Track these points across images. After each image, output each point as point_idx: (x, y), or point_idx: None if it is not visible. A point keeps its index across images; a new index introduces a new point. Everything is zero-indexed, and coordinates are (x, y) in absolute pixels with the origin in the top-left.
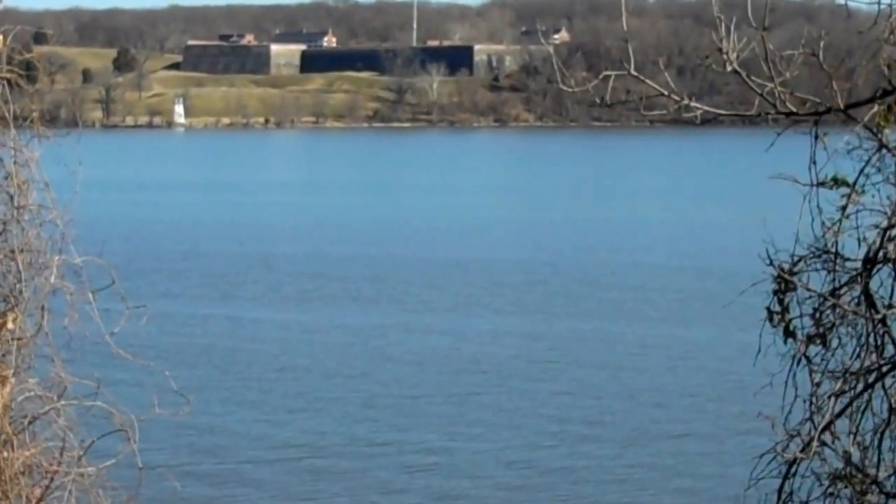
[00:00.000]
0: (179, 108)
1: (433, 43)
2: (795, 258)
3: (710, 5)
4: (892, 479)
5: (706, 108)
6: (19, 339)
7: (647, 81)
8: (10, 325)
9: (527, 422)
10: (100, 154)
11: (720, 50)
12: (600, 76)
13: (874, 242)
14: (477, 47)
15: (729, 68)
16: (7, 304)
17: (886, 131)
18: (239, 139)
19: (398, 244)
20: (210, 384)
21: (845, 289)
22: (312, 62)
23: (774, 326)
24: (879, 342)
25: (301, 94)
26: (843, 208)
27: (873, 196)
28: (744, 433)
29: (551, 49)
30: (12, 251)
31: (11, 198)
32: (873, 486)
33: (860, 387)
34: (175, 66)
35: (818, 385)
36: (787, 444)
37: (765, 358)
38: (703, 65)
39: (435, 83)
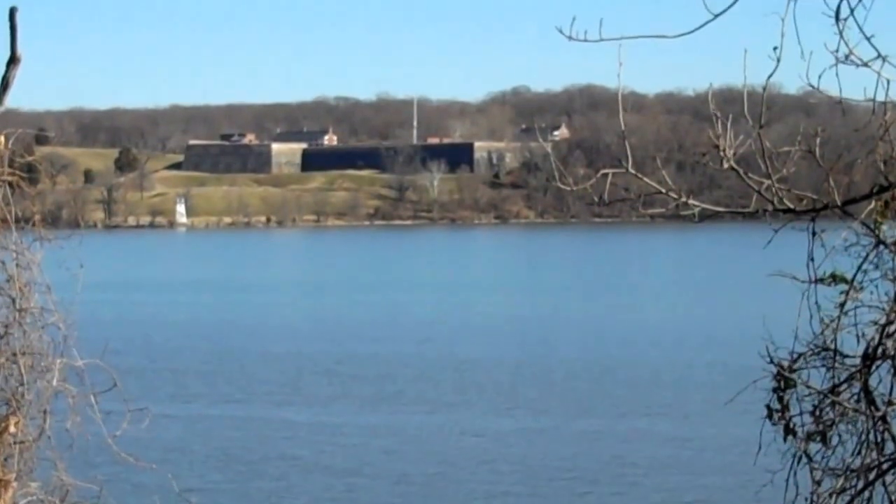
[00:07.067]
0: (181, 208)
1: (433, 140)
2: (795, 355)
3: (709, 100)
4: None
5: (704, 205)
6: (21, 442)
7: (645, 179)
8: (12, 429)
9: None
10: (102, 255)
11: (717, 146)
12: (598, 174)
13: (873, 339)
14: (477, 144)
15: (726, 165)
16: (9, 407)
17: (884, 227)
18: (241, 238)
19: (404, 343)
20: (214, 486)
21: (845, 386)
22: (313, 160)
23: (774, 424)
24: (880, 439)
25: (302, 193)
26: (842, 305)
27: (871, 292)
28: None
29: (549, 148)
30: (14, 354)
31: (13, 301)
32: None
33: (861, 484)
34: (177, 166)
35: (819, 483)
36: None
37: (765, 456)
38: (701, 162)
39: (436, 180)
